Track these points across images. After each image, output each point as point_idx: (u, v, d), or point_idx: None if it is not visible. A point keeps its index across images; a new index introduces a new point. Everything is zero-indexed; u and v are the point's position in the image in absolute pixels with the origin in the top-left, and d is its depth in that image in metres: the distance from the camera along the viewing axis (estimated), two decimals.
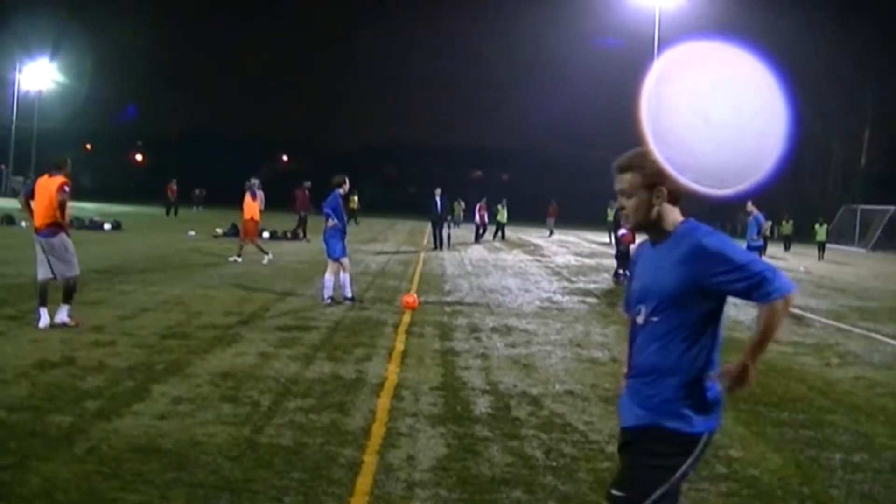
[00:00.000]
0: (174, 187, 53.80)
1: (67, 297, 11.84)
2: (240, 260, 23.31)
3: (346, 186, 16.16)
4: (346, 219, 16.15)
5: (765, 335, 3.61)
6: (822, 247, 43.50)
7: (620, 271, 22.71)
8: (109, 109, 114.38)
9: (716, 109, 3.45)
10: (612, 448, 7.28)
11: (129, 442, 6.70)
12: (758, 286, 3.53)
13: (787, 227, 48.93)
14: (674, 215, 3.84)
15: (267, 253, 23.84)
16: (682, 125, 3.47)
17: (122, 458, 6.31)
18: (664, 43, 65.14)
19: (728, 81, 3.48)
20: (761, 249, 22.72)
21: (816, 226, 45.07)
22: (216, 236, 34.15)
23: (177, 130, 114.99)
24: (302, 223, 36.32)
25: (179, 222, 44.73)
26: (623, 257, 22.94)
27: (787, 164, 3.59)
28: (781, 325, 3.61)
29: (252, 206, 24.33)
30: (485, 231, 43.60)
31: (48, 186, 11.81)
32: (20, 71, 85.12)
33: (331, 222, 15.71)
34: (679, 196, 3.82)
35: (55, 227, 11.76)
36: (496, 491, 6.07)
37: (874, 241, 57.91)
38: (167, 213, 52.40)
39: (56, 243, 11.77)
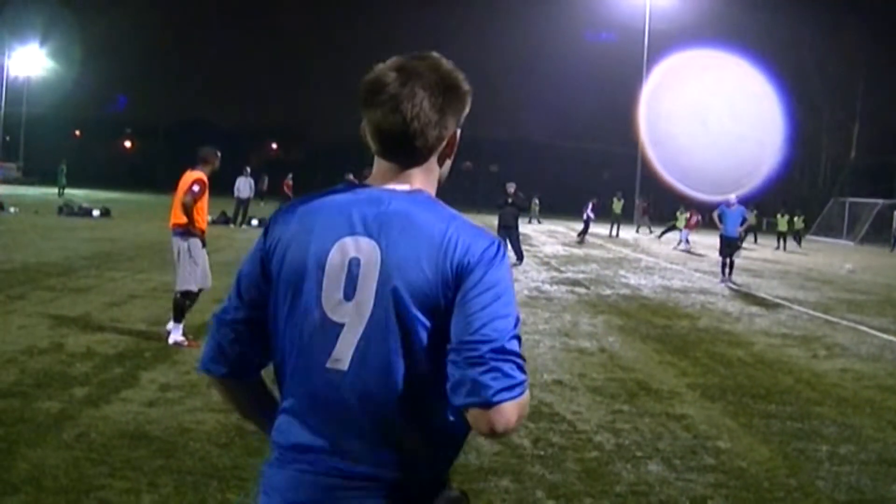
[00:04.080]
0: (290, 182, 45.88)
1: (174, 312, 10.25)
2: None
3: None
4: None
5: None
6: (784, 237, 42.25)
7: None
8: (99, 96, 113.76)
9: (715, 118, 3.36)
10: (600, 438, 7.32)
11: (118, 428, 6.69)
12: None
13: (783, 223, 43.29)
14: None
15: None
16: (680, 131, 3.39)
17: (111, 444, 6.31)
18: (656, 38, 65.37)
19: (728, 91, 3.42)
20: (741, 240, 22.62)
21: (778, 216, 43.41)
22: None
23: (167, 118, 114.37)
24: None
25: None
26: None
27: (778, 159, 3.51)
28: None
29: None
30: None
31: (184, 181, 10.29)
32: (9, 56, 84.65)
33: None
34: None
35: (183, 228, 10.24)
36: (484, 480, 6.08)
37: (862, 235, 58.03)
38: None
39: (177, 247, 10.32)
